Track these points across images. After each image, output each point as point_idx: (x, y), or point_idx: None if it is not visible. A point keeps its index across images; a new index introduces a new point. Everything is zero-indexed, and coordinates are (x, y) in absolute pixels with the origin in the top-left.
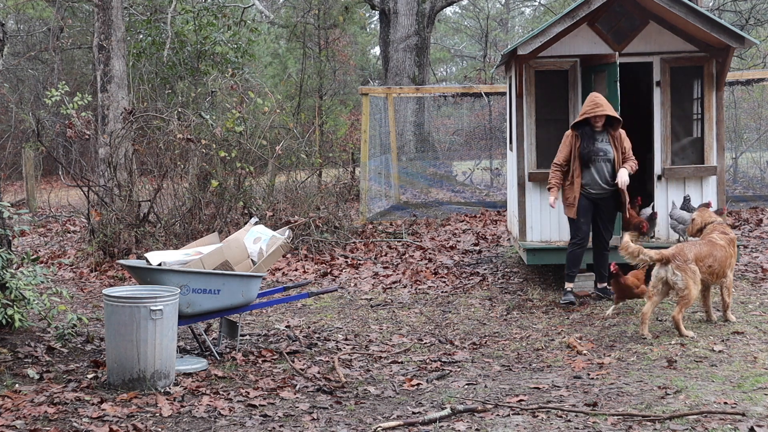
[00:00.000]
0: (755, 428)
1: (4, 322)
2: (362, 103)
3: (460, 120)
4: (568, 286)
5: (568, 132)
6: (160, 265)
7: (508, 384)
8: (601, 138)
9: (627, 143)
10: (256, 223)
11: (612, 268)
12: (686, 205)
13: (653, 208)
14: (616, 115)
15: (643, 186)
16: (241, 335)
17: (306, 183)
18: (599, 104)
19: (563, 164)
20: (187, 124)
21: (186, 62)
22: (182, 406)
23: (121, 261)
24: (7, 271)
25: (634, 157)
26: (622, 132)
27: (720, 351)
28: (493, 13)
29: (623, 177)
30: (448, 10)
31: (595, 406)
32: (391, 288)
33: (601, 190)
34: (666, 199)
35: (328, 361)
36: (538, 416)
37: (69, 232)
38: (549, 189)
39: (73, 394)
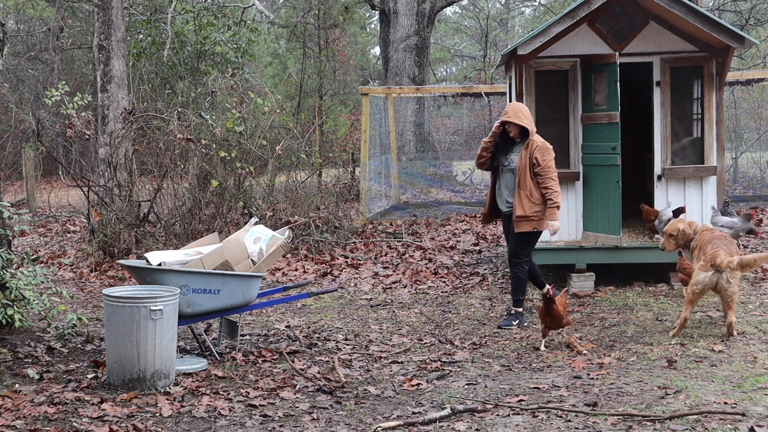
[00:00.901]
0: (755, 428)
1: (4, 322)
2: (362, 103)
3: (460, 120)
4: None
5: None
6: (160, 265)
7: (508, 384)
8: (516, 148)
9: (542, 156)
10: (256, 223)
11: (548, 292)
12: (726, 209)
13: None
14: (520, 122)
15: (643, 186)
16: (241, 335)
17: (306, 183)
18: (507, 111)
19: (489, 154)
20: (187, 124)
21: (186, 62)
22: (182, 406)
23: (121, 261)
24: (7, 271)
25: (548, 174)
26: (538, 142)
27: (720, 351)
28: (493, 13)
29: (553, 228)
30: (448, 10)
31: (595, 406)
32: (391, 288)
33: (505, 205)
34: (666, 199)
35: (328, 361)
36: (538, 416)
37: (69, 232)
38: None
39: (73, 394)
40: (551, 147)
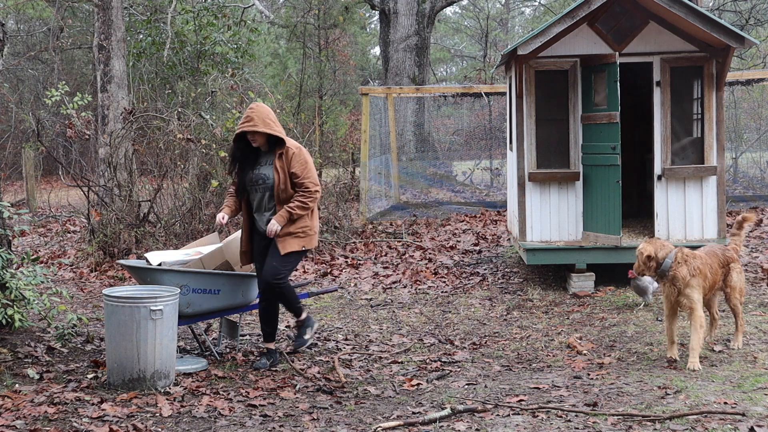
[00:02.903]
0: (755, 428)
1: (4, 322)
2: (362, 103)
3: (460, 120)
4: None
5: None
6: (160, 265)
7: (508, 384)
8: (266, 160)
9: (301, 165)
10: None
11: None
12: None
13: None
14: (270, 131)
15: (643, 186)
16: (241, 335)
17: None
18: (250, 117)
19: (236, 190)
20: (187, 124)
21: (186, 62)
22: (182, 406)
23: (121, 261)
24: (7, 271)
25: (308, 188)
26: (293, 149)
27: (720, 351)
28: (493, 13)
29: (271, 227)
30: (448, 10)
31: (595, 406)
32: (391, 288)
33: (264, 228)
34: (666, 199)
35: (328, 361)
36: (538, 416)
37: (69, 232)
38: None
39: (73, 394)
40: (307, 151)
